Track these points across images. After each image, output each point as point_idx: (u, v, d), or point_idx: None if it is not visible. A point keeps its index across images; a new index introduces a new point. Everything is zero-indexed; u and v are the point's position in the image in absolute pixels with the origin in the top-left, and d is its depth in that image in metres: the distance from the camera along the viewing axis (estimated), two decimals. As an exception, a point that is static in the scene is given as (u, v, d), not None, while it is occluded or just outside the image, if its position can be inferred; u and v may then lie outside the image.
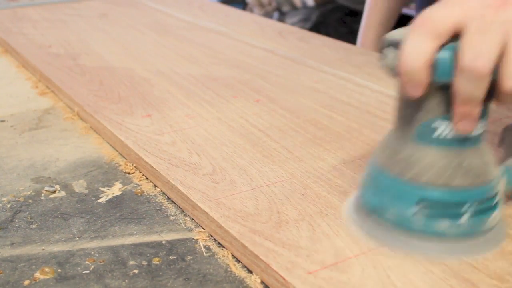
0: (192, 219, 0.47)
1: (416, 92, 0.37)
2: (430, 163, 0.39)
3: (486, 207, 0.40)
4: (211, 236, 0.45)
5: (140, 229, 0.45)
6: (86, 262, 0.42)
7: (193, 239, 0.44)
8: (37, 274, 0.40)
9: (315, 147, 0.56)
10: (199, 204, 0.45)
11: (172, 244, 0.44)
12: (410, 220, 0.40)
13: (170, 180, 0.49)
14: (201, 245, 0.44)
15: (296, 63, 0.81)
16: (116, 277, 0.40)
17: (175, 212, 0.48)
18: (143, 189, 0.52)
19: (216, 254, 0.43)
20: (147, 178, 0.53)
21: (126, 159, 0.57)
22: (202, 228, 0.46)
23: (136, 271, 0.41)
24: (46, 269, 0.41)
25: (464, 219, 0.39)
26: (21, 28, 1.01)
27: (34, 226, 0.46)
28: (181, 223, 0.47)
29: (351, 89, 0.71)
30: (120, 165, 0.56)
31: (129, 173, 0.54)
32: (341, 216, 0.44)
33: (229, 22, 1.05)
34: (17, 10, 1.16)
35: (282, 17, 1.30)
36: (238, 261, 0.42)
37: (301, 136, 0.58)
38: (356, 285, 0.36)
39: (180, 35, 0.97)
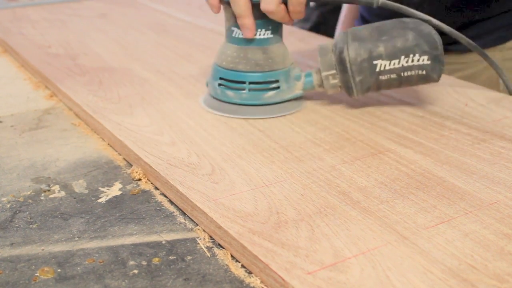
0: (192, 219, 0.47)
1: (214, 10, 0.61)
2: (227, 54, 0.62)
3: (262, 87, 0.61)
4: (211, 236, 0.45)
5: (140, 229, 0.45)
6: (86, 262, 0.42)
7: (193, 239, 0.44)
8: (37, 274, 0.40)
9: (314, 147, 0.56)
10: (198, 205, 0.45)
11: (172, 244, 0.44)
12: (216, 91, 0.63)
13: (169, 180, 0.49)
14: (201, 245, 0.44)
15: (296, 63, 0.81)
16: (116, 277, 0.40)
17: (175, 212, 0.48)
18: (143, 189, 0.52)
19: (216, 254, 0.43)
20: (146, 178, 0.53)
21: (125, 159, 0.57)
22: (202, 228, 0.46)
23: (136, 271, 0.41)
24: (46, 269, 0.41)
25: (244, 92, 0.62)
26: (21, 28, 1.01)
27: (34, 226, 0.46)
28: (181, 223, 0.47)
29: (350, 89, 0.71)
30: (120, 165, 0.56)
31: (129, 173, 0.54)
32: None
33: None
34: (17, 10, 1.16)
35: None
36: (237, 261, 0.42)
37: (300, 137, 0.58)
38: (355, 285, 0.36)
39: (180, 35, 0.97)
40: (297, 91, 0.63)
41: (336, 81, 0.61)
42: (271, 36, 0.61)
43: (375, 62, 0.59)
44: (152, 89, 0.71)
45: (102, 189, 0.52)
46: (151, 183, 0.53)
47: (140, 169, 0.54)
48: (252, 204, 0.46)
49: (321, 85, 0.62)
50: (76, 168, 0.55)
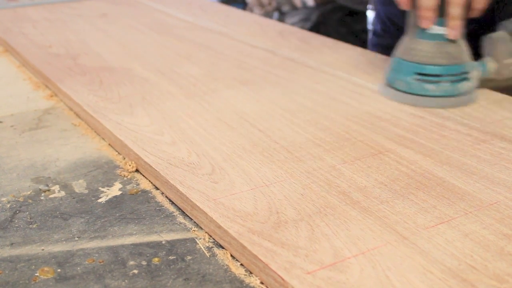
0: (192, 219, 0.47)
1: (403, 6, 0.65)
2: (422, 50, 0.65)
3: (459, 78, 0.65)
4: (211, 236, 0.45)
5: (140, 229, 0.45)
6: (86, 262, 0.42)
7: (193, 239, 0.44)
8: (37, 274, 0.40)
9: (314, 147, 0.56)
10: (198, 204, 0.45)
11: (171, 244, 0.44)
12: (411, 86, 0.66)
13: (169, 180, 0.49)
14: (201, 245, 0.44)
15: (296, 63, 0.81)
16: (116, 277, 0.40)
17: (175, 212, 0.48)
18: (143, 189, 0.52)
19: (216, 254, 0.43)
20: (146, 178, 0.53)
21: (125, 159, 0.57)
22: (202, 228, 0.46)
23: (135, 271, 0.41)
24: (46, 269, 0.41)
25: (446, 84, 0.65)
26: (22, 28, 1.01)
27: (34, 226, 0.46)
28: (181, 223, 0.47)
29: (351, 89, 0.71)
30: (120, 165, 0.56)
31: (129, 173, 0.54)
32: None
33: (229, 22, 1.05)
34: (18, 10, 1.16)
35: (282, 17, 1.30)
36: (237, 261, 0.42)
37: (300, 136, 0.58)
38: (355, 285, 0.36)
39: (180, 35, 0.97)
40: (476, 80, 0.67)
41: None
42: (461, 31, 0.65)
43: None
44: (152, 89, 0.71)
45: (102, 189, 0.52)
46: (151, 183, 0.53)
47: (132, 163, 0.54)
48: (252, 203, 0.46)
49: (497, 72, 0.67)
50: (76, 168, 0.55)
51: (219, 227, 0.43)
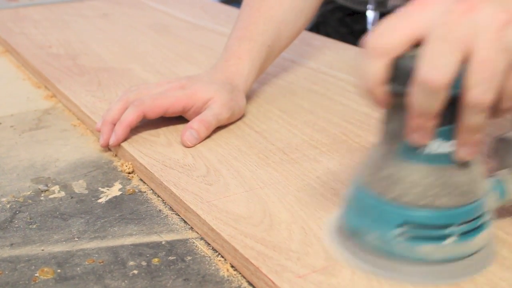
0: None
1: (382, 106, 0.37)
2: (414, 182, 0.36)
3: (472, 228, 0.37)
4: (203, 238, 0.44)
5: (140, 230, 0.46)
6: (86, 263, 0.42)
7: (193, 239, 0.44)
8: (37, 275, 0.40)
9: (311, 149, 0.55)
10: (191, 207, 0.45)
11: (171, 244, 0.44)
12: (392, 244, 0.37)
13: (163, 182, 0.49)
14: (201, 245, 0.44)
15: (295, 63, 0.81)
16: (116, 278, 0.40)
17: (175, 212, 0.48)
18: (143, 190, 0.52)
19: (216, 255, 0.42)
20: (141, 180, 0.53)
21: (121, 160, 0.57)
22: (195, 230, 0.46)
23: (135, 271, 0.41)
24: (46, 270, 0.41)
25: (449, 242, 0.36)
26: (22, 28, 1.01)
27: (34, 226, 0.46)
28: (180, 223, 0.47)
29: (349, 90, 0.71)
30: (119, 166, 0.56)
31: (128, 174, 0.54)
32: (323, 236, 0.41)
33: (230, 23, 1.04)
34: (19, 10, 1.16)
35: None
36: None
37: (297, 138, 0.58)
38: (346, 289, 0.36)
39: (180, 36, 0.97)
40: (492, 212, 0.39)
41: None
42: None
43: None
44: (150, 90, 0.71)
45: (102, 190, 0.52)
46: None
47: (129, 163, 0.54)
48: (245, 206, 0.45)
49: None
50: (76, 169, 0.55)
51: (212, 229, 0.43)
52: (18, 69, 0.86)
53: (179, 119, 0.63)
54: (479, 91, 0.33)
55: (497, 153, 0.42)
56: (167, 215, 0.48)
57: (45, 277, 0.40)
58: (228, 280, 0.40)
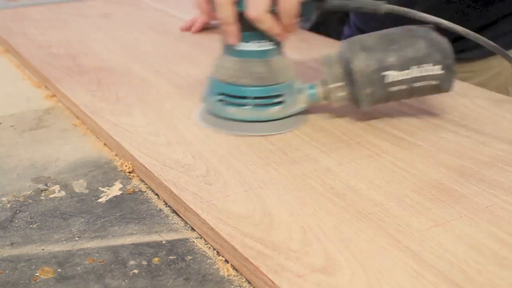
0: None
1: (205, 17, 0.59)
2: (227, 67, 0.58)
3: (266, 102, 0.57)
4: (202, 237, 0.44)
5: (140, 229, 0.46)
6: (86, 262, 0.42)
7: (193, 239, 0.44)
8: (37, 274, 0.40)
9: (310, 148, 0.55)
10: (191, 206, 0.45)
11: (172, 244, 0.44)
12: (215, 106, 0.59)
13: (163, 181, 0.49)
14: (201, 245, 0.44)
15: (295, 64, 0.81)
16: (116, 277, 0.40)
17: (175, 212, 0.48)
18: (143, 189, 0.52)
19: (216, 254, 0.42)
20: (140, 179, 0.53)
21: (121, 159, 0.57)
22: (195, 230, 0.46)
23: (136, 271, 0.41)
24: (46, 269, 0.41)
25: (246, 108, 0.57)
26: (23, 28, 1.01)
27: (34, 226, 0.46)
28: (181, 223, 0.47)
29: (349, 90, 0.71)
30: (119, 165, 0.56)
31: (128, 173, 0.54)
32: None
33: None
34: (19, 10, 1.16)
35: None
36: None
37: (297, 138, 0.58)
38: (345, 289, 0.36)
39: (181, 35, 0.97)
40: (301, 104, 0.59)
41: (344, 93, 0.59)
42: (272, 47, 0.57)
43: (385, 73, 0.56)
44: (150, 89, 0.71)
45: (102, 189, 0.52)
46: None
47: (129, 163, 0.54)
48: (245, 206, 0.45)
49: (326, 97, 0.59)
50: (76, 168, 0.55)
51: (211, 229, 0.43)
52: (18, 69, 0.86)
53: (180, 119, 0.63)
54: (249, 8, 0.53)
55: (323, 67, 0.59)
56: (168, 214, 0.48)
57: (45, 277, 0.40)
58: (228, 279, 0.40)
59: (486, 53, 0.80)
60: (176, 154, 0.54)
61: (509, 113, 0.63)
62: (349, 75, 0.57)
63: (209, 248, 0.43)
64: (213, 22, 1.01)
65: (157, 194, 0.51)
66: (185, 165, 0.52)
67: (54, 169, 0.55)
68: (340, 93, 0.59)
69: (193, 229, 0.46)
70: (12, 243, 0.44)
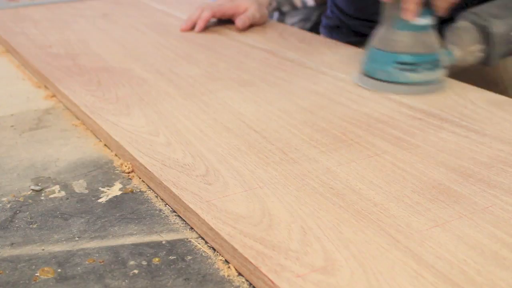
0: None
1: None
2: (402, 41, 0.69)
3: (434, 66, 0.70)
4: (202, 238, 0.44)
5: (140, 229, 0.45)
6: (86, 262, 0.42)
7: (193, 239, 0.44)
8: (37, 274, 0.40)
9: (310, 149, 0.55)
10: (191, 206, 0.45)
11: (172, 244, 0.44)
12: (392, 75, 0.70)
13: (163, 181, 0.49)
14: (201, 245, 0.44)
15: (295, 64, 0.81)
16: (116, 277, 0.40)
17: (175, 212, 0.48)
18: (143, 189, 0.52)
19: (217, 254, 0.42)
20: (141, 179, 0.53)
21: (120, 159, 0.57)
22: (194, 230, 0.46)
23: (136, 271, 0.41)
24: (46, 269, 0.41)
25: (423, 72, 0.69)
26: (23, 28, 1.01)
27: (34, 226, 0.46)
28: (181, 223, 0.46)
29: (349, 90, 0.71)
30: (119, 165, 0.56)
31: (128, 173, 0.54)
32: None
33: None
34: (19, 10, 1.16)
35: (282, 17, 1.29)
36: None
37: (297, 138, 0.58)
38: (345, 289, 0.36)
39: (180, 35, 0.97)
40: (444, 68, 0.72)
41: (482, 54, 0.72)
42: (433, 22, 0.70)
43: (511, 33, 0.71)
44: (150, 90, 0.71)
45: (102, 189, 0.52)
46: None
47: (129, 163, 0.54)
48: (245, 206, 0.45)
49: (463, 60, 0.72)
50: (76, 168, 0.55)
51: (211, 229, 0.43)
52: (18, 69, 0.86)
53: (179, 119, 0.63)
54: None
55: (449, 36, 0.72)
56: (168, 214, 0.48)
57: (45, 277, 0.40)
58: (228, 279, 0.40)
59: None
60: (175, 154, 0.54)
61: (509, 114, 0.63)
62: (487, 39, 0.71)
63: (209, 248, 0.43)
64: (213, 20, 1.02)
65: (157, 194, 0.51)
66: (184, 165, 0.52)
67: (54, 169, 0.55)
68: (477, 53, 0.72)
69: (193, 229, 0.46)
70: (12, 243, 0.44)
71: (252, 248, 0.40)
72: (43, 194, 0.51)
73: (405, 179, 0.50)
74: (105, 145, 0.61)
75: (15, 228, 0.46)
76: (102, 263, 0.42)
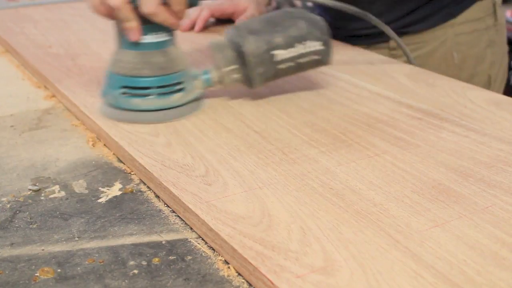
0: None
1: (106, 17, 0.61)
2: (126, 61, 0.60)
3: (169, 90, 0.61)
4: (202, 238, 0.44)
5: (140, 229, 0.46)
6: (86, 262, 0.42)
7: (193, 239, 0.44)
8: (37, 274, 0.40)
9: (310, 149, 0.55)
10: (190, 207, 0.45)
11: (172, 244, 0.44)
12: (118, 99, 0.61)
13: (162, 182, 0.49)
14: (201, 245, 0.44)
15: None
16: (116, 277, 0.40)
17: (175, 212, 0.48)
18: (143, 189, 0.52)
19: (216, 254, 0.43)
20: (142, 180, 0.53)
21: (122, 160, 0.57)
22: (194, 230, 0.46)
23: (136, 271, 0.41)
24: (46, 269, 0.41)
25: (151, 97, 0.60)
26: (23, 28, 1.01)
27: (34, 226, 0.46)
28: (181, 223, 0.47)
29: (349, 90, 0.71)
30: (119, 166, 0.56)
31: (128, 174, 0.54)
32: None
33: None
34: (19, 10, 1.16)
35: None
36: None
37: (296, 138, 0.58)
38: (345, 289, 0.36)
39: (180, 35, 0.96)
40: (198, 90, 0.64)
41: (237, 75, 0.64)
42: (168, 38, 0.61)
43: (273, 52, 0.62)
44: (150, 90, 0.71)
45: (102, 189, 0.52)
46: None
47: (129, 163, 0.54)
48: (244, 206, 0.45)
49: (220, 81, 0.64)
50: (76, 168, 0.55)
51: (211, 229, 0.43)
52: (18, 69, 0.86)
53: (179, 119, 0.63)
54: (143, 5, 0.57)
55: (214, 53, 0.63)
56: (167, 215, 0.48)
57: (45, 277, 0.40)
58: (228, 280, 0.40)
59: (431, 24, 0.91)
60: (175, 155, 0.54)
61: (509, 113, 0.63)
62: (241, 58, 0.62)
63: (209, 248, 0.43)
64: (212, 19, 1.02)
65: (157, 195, 0.51)
66: (184, 165, 0.52)
67: (54, 169, 0.55)
68: (233, 75, 0.64)
69: (193, 229, 0.46)
70: (12, 243, 0.44)
71: (252, 249, 0.40)
72: (43, 194, 0.51)
73: (404, 179, 0.50)
74: (104, 145, 0.61)
75: (15, 228, 0.46)
76: (102, 263, 0.42)
